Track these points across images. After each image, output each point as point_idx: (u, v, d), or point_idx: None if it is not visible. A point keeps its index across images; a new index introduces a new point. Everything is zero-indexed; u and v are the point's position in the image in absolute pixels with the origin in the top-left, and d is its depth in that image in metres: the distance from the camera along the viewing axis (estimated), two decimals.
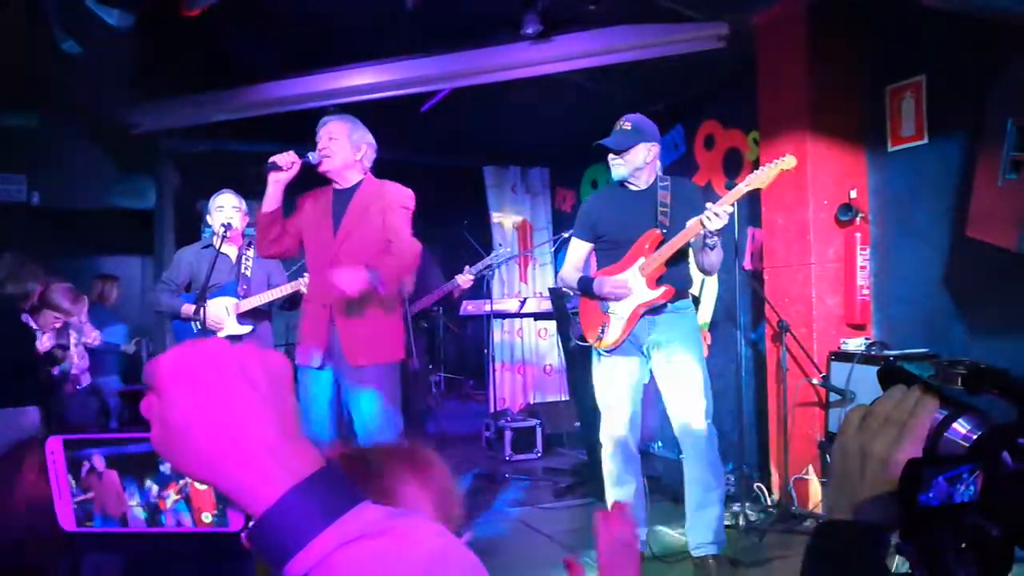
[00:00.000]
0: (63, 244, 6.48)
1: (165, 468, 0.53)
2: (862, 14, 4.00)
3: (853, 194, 3.97)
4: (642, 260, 3.10)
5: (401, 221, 3.10)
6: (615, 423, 3.18)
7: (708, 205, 2.88)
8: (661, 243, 3.07)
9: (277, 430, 0.48)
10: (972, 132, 3.40)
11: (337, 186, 3.14)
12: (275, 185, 3.01)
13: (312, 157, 3.03)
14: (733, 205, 2.94)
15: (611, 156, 3.16)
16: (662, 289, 3.06)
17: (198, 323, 3.86)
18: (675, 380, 3.09)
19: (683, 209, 3.05)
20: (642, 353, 3.16)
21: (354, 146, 3.10)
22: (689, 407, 3.06)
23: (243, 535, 0.47)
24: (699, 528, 3.07)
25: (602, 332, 3.16)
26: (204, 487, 0.55)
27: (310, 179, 3.16)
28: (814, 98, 3.96)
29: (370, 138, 3.18)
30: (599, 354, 3.23)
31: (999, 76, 3.20)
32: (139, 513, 0.53)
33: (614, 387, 3.18)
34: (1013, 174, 3.06)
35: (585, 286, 3.22)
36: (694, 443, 3.06)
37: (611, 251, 3.23)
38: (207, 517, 0.55)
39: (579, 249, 3.34)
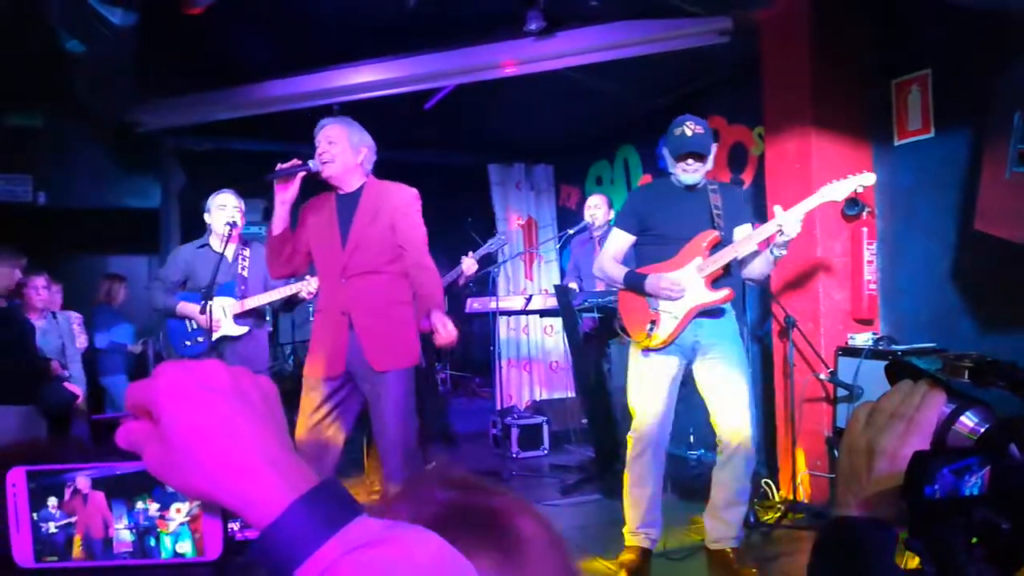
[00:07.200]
0: (69, 244, 6.52)
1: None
2: (866, 7, 3.98)
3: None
4: (699, 260, 3.03)
5: (416, 232, 3.05)
6: (647, 422, 3.11)
7: (777, 210, 2.87)
8: (717, 245, 3.03)
9: (278, 444, 0.50)
10: (979, 125, 3.38)
11: (340, 191, 3.06)
12: (282, 207, 2.96)
13: (312, 164, 2.95)
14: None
15: (686, 161, 3.05)
16: (724, 292, 3.01)
17: (194, 323, 3.86)
18: (724, 386, 3.06)
19: (732, 215, 3.02)
20: (682, 354, 3.11)
21: (354, 149, 3.02)
22: (738, 414, 3.04)
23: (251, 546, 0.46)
24: (724, 523, 3.07)
25: (651, 330, 3.08)
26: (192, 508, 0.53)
27: (308, 189, 3.08)
28: (819, 92, 3.93)
29: (369, 140, 3.10)
30: (642, 352, 3.15)
31: (1006, 69, 3.18)
32: (126, 536, 0.52)
33: (652, 386, 3.11)
34: (1020, 167, 3.04)
35: (634, 281, 3.12)
36: (739, 449, 3.03)
37: (658, 246, 3.15)
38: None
39: (621, 240, 3.25)
